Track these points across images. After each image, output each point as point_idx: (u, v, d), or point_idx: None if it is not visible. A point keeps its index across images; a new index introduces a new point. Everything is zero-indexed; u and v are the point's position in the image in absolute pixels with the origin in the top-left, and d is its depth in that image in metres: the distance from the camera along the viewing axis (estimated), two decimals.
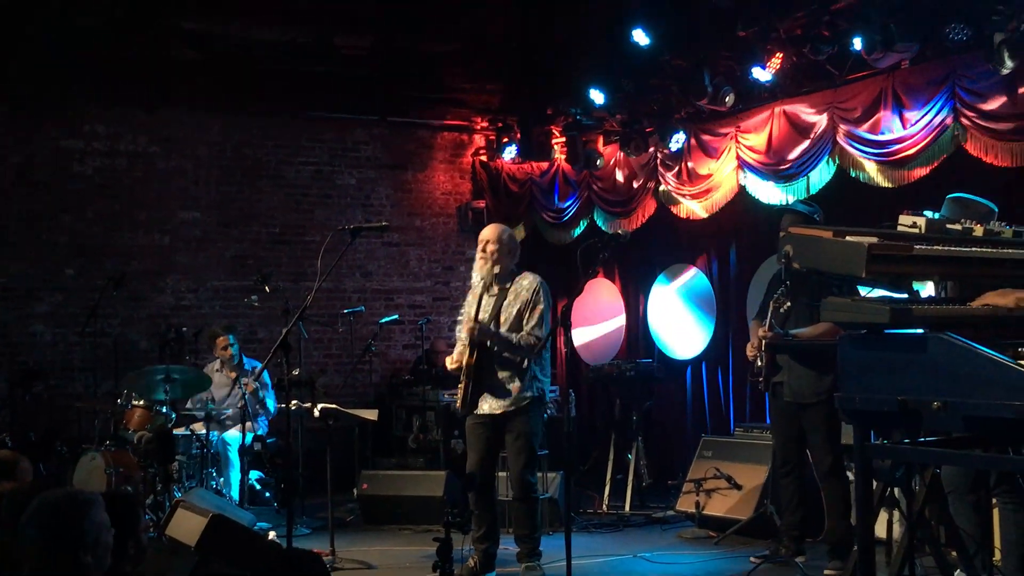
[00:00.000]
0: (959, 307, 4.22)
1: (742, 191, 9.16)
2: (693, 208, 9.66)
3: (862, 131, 8.00)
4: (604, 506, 9.14)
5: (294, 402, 8.16)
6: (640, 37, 8.94)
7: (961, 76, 7.34)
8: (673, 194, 9.80)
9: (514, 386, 6.67)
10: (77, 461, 8.33)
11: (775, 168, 8.73)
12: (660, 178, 9.90)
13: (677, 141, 9.39)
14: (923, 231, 4.45)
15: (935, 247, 4.25)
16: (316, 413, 7.99)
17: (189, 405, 9.16)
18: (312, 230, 11.48)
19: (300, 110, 11.49)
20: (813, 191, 8.43)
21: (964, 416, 3.72)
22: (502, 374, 6.69)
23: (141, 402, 8.56)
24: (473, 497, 6.79)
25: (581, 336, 11.17)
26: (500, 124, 11.61)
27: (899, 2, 7.35)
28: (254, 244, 11.36)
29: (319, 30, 9.81)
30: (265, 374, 8.91)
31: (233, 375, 9.13)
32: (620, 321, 11.06)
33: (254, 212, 11.38)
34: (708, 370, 10.09)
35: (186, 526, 6.51)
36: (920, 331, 3.91)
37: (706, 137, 9.44)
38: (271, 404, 9.17)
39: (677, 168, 9.69)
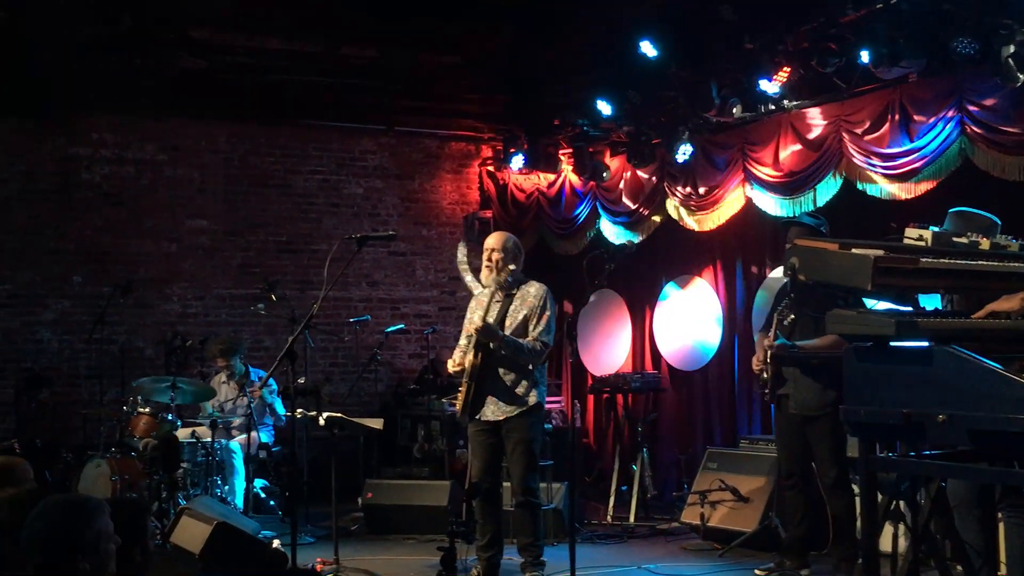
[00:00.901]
0: (965, 320, 4.22)
1: (749, 203, 9.15)
2: (699, 220, 9.66)
3: (869, 144, 8.00)
4: (608, 517, 9.14)
5: (299, 410, 8.17)
6: (648, 49, 8.94)
7: (968, 90, 7.33)
8: (679, 206, 9.81)
9: (517, 391, 6.69)
10: (83, 468, 8.34)
11: (782, 180, 8.73)
12: (667, 189, 9.91)
13: (684, 153, 9.39)
14: (929, 244, 4.45)
15: (941, 260, 4.26)
16: (321, 422, 8.00)
17: (201, 415, 9.18)
18: (319, 239, 11.51)
19: (307, 119, 11.52)
20: (820, 204, 8.43)
21: (969, 429, 3.72)
22: (506, 378, 6.70)
23: (147, 409, 8.57)
24: (478, 506, 6.79)
25: (587, 347, 11.16)
26: (507, 135, 11.62)
27: (906, 16, 7.35)
28: (261, 252, 11.38)
29: (326, 40, 9.82)
30: (273, 383, 8.91)
31: (241, 384, 9.13)
32: (626, 332, 11.05)
33: (261, 221, 11.40)
34: (713, 382, 10.07)
35: (190, 533, 6.53)
36: (926, 344, 3.91)
37: (713, 149, 9.45)
38: (280, 408, 9.17)
39: (684, 180, 9.69)
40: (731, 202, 9.30)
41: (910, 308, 4.40)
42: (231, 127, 11.27)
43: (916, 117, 7.68)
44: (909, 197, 7.82)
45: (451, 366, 6.89)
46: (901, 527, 5.78)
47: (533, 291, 6.82)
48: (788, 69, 8.23)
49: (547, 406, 7.51)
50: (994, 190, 7.21)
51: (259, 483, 9.13)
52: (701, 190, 9.54)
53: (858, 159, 8.08)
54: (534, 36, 9.58)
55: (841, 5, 7.58)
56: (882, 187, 8.02)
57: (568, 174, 11.17)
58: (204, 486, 8.49)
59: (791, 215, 8.43)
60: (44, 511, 3.56)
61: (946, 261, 4.27)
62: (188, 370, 9.80)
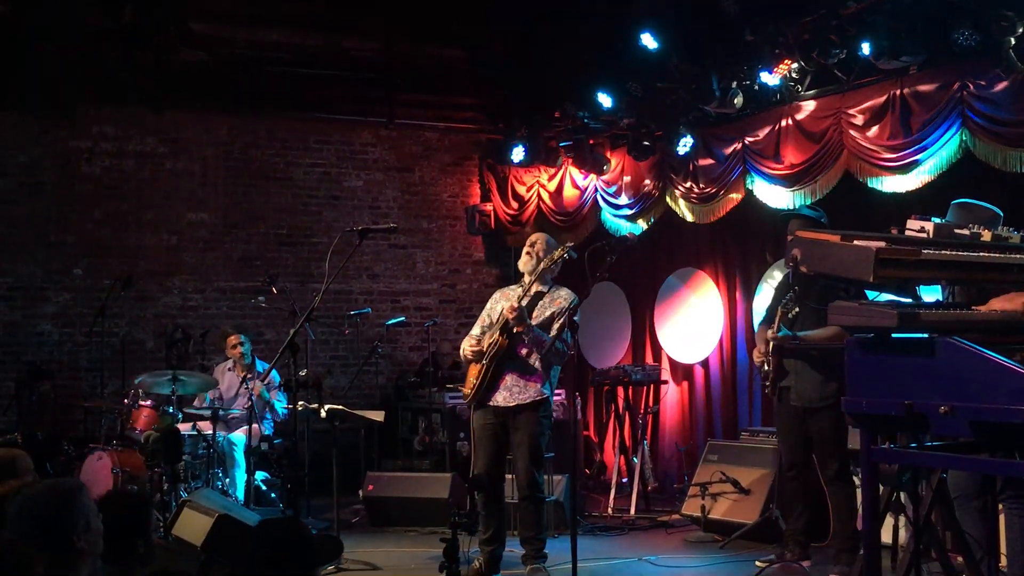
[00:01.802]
0: (966, 311, 4.22)
1: (749, 195, 9.15)
2: (700, 212, 9.65)
3: (870, 136, 7.99)
4: (609, 509, 9.14)
5: (300, 403, 8.17)
6: (648, 41, 8.94)
7: (969, 82, 7.32)
8: (680, 198, 9.80)
9: (531, 381, 6.72)
10: (84, 460, 8.35)
11: (783, 172, 8.72)
12: (668, 181, 9.90)
13: (685, 145, 9.38)
14: (931, 236, 4.45)
15: (943, 252, 4.25)
16: (322, 414, 8.01)
17: (196, 403, 9.18)
18: (319, 232, 11.51)
19: (308, 112, 11.51)
20: (820, 196, 8.42)
21: (971, 421, 3.72)
22: (523, 366, 6.74)
23: (148, 402, 8.58)
24: (480, 498, 6.81)
25: (587, 339, 11.16)
26: (508, 127, 11.61)
27: (907, 7, 7.35)
28: (261, 245, 11.38)
29: (327, 32, 9.84)
30: (276, 375, 8.91)
31: (244, 375, 9.14)
32: (627, 325, 11.06)
33: (261, 213, 11.40)
34: (714, 374, 10.08)
35: (192, 526, 6.54)
36: (927, 335, 3.91)
37: (714, 141, 9.44)
38: (280, 407, 9.18)
39: (684, 172, 9.68)
40: (732, 194, 9.29)
41: (911, 300, 4.39)
42: (231, 120, 11.26)
43: (917, 109, 7.68)
44: (910, 189, 7.82)
45: (467, 345, 6.90)
46: (902, 518, 5.79)
47: (563, 294, 6.90)
48: (789, 61, 8.23)
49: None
50: (995, 182, 7.21)
51: (260, 475, 9.14)
52: (702, 182, 9.53)
53: (858, 151, 8.07)
54: (534, 29, 9.60)
55: None
56: (883, 179, 8.01)
57: (569, 167, 11.17)
58: (205, 478, 8.50)
59: (791, 208, 8.42)
60: (26, 502, 3.55)
61: (948, 253, 4.26)
62: (188, 362, 9.81)
